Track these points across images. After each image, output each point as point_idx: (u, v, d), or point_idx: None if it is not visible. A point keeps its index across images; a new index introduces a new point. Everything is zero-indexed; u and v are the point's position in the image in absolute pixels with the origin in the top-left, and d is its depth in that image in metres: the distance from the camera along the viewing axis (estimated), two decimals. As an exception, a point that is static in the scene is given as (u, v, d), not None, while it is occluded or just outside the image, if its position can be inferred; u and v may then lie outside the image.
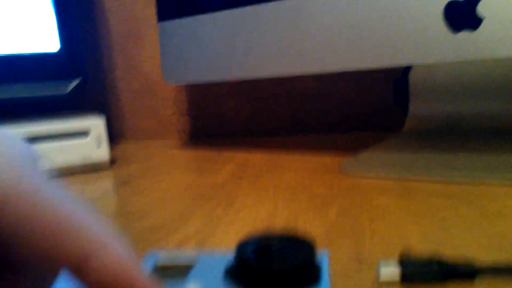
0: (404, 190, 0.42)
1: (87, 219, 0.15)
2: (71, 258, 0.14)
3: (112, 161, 0.66)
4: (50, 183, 0.16)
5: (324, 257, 0.22)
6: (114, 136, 0.89)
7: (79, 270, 0.15)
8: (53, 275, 0.18)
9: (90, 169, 0.61)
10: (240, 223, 0.37)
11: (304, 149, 0.65)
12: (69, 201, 0.16)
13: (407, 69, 0.67)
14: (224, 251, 0.24)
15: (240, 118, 0.84)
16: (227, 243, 0.33)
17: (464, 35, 0.42)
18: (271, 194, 0.44)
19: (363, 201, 0.40)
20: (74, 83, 0.70)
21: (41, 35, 0.66)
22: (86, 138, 0.60)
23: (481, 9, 0.41)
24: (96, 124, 0.60)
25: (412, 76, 0.66)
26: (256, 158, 0.60)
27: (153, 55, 0.85)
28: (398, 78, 0.70)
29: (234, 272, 0.21)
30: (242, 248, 0.21)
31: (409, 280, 0.25)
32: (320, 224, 0.35)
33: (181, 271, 0.22)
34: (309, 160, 0.57)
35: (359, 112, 0.79)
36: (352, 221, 0.35)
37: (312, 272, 0.20)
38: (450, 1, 0.42)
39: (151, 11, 0.84)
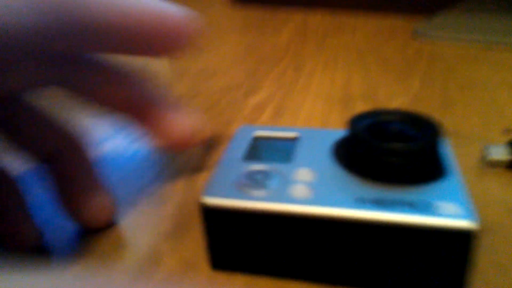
0: (490, 56, 0.39)
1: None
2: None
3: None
4: None
5: (446, 145, 0.19)
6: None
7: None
8: None
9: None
10: (315, 90, 0.35)
11: (372, 10, 0.59)
12: None
13: None
14: (325, 128, 0.22)
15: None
16: (306, 111, 0.31)
17: None
18: (341, 59, 0.41)
19: (445, 68, 0.37)
20: None
21: None
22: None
23: None
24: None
25: None
26: (317, 19, 0.56)
27: None
28: None
29: (345, 150, 0.19)
30: (356, 123, 0.18)
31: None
32: (403, 95, 0.33)
33: (282, 148, 0.20)
34: (378, 22, 0.52)
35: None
36: (439, 91, 0.33)
37: (436, 158, 0.18)
38: None
39: None
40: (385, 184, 0.17)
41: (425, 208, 0.15)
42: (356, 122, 0.19)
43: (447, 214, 0.15)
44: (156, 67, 0.33)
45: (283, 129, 0.21)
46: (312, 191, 0.17)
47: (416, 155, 0.17)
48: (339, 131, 0.20)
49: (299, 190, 0.17)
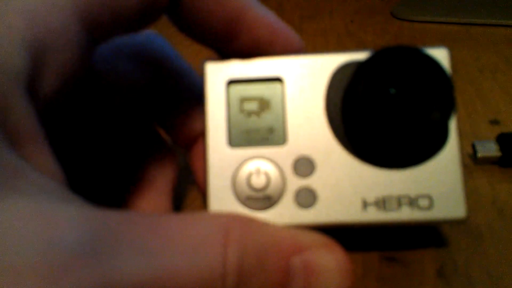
0: (471, 36, 0.38)
1: None
2: (232, 7, 0.17)
3: None
4: None
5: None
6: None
7: (238, 20, 0.17)
8: None
9: None
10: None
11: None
12: None
13: None
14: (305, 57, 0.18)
15: None
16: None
17: None
18: (320, 45, 0.40)
19: (425, 52, 0.36)
20: None
21: None
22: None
23: None
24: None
25: None
26: (293, 0, 0.54)
27: None
28: None
29: (343, 127, 0.17)
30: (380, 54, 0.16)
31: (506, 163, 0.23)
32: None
33: (266, 111, 0.18)
34: (356, 1, 0.51)
35: None
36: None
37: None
38: None
39: None
40: (386, 169, 0.17)
41: (423, 204, 0.17)
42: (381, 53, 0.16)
43: (442, 208, 0.17)
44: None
45: (260, 64, 0.19)
46: (316, 198, 0.17)
47: (420, 144, 0.17)
48: (325, 69, 0.18)
49: (303, 197, 0.17)
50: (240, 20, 0.17)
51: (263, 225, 0.15)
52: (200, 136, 0.21)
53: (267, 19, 0.18)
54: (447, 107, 0.16)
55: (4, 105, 0.12)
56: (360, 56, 0.18)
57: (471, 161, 0.24)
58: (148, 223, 0.12)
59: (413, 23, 0.42)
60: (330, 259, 0.15)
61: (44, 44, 0.13)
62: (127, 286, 0.11)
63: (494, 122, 0.26)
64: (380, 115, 0.16)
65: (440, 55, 0.18)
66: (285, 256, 0.14)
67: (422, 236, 0.20)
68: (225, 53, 0.19)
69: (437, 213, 0.17)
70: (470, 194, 0.22)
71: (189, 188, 0.24)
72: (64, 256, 0.10)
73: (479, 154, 0.23)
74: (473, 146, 0.23)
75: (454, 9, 0.43)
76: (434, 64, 0.16)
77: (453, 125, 0.17)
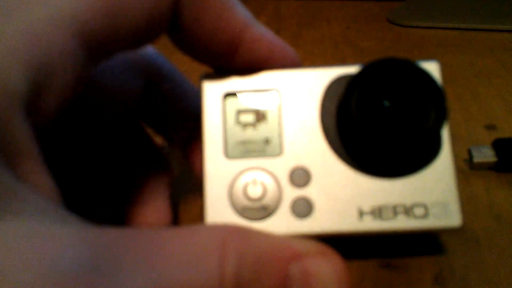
0: (467, 42, 0.39)
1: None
2: (232, 27, 0.17)
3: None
4: None
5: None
6: None
7: (238, 39, 0.17)
8: None
9: None
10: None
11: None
12: None
13: None
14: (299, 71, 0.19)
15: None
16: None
17: None
18: (318, 52, 0.40)
19: (422, 56, 0.37)
20: None
21: None
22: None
23: None
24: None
25: None
26: (291, 7, 0.55)
27: None
28: None
29: (338, 135, 0.18)
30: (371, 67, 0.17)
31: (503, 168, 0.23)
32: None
33: (262, 125, 0.18)
34: (353, 8, 0.51)
35: None
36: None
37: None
38: None
39: None
40: (382, 178, 0.17)
41: (419, 213, 0.17)
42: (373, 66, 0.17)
43: (437, 216, 0.17)
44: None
45: (256, 78, 0.19)
46: (312, 208, 0.17)
47: (413, 152, 0.17)
48: (320, 82, 0.19)
49: (300, 206, 0.17)
50: (240, 40, 0.18)
51: (260, 234, 0.15)
52: (199, 142, 0.21)
53: (265, 37, 0.18)
54: (440, 117, 0.16)
55: (2, 126, 0.12)
56: (354, 69, 0.18)
57: (467, 167, 0.24)
58: (145, 238, 0.13)
59: (410, 29, 0.42)
60: (327, 266, 0.15)
61: (45, 65, 0.13)
62: None
63: (490, 127, 0.27)
64: (374, 127, 0.16)
65: (432, 67, 0.18)
66: (282, 265, 0.14)
67: (420, 243, 0.20)
68: (221, 68, 0.19)
69: (433, 221, 0.17)
70: (467, 200, 0.22)
71: (186, 195, 0.24)
72: (64, 276, 0.10)
73: (475, 160, 0.23)
74: (469, 152, 0.23)
75: (450, 15, 0.43)
76: (426, 76, 0.16)
77: (446, 134, 0.18)
